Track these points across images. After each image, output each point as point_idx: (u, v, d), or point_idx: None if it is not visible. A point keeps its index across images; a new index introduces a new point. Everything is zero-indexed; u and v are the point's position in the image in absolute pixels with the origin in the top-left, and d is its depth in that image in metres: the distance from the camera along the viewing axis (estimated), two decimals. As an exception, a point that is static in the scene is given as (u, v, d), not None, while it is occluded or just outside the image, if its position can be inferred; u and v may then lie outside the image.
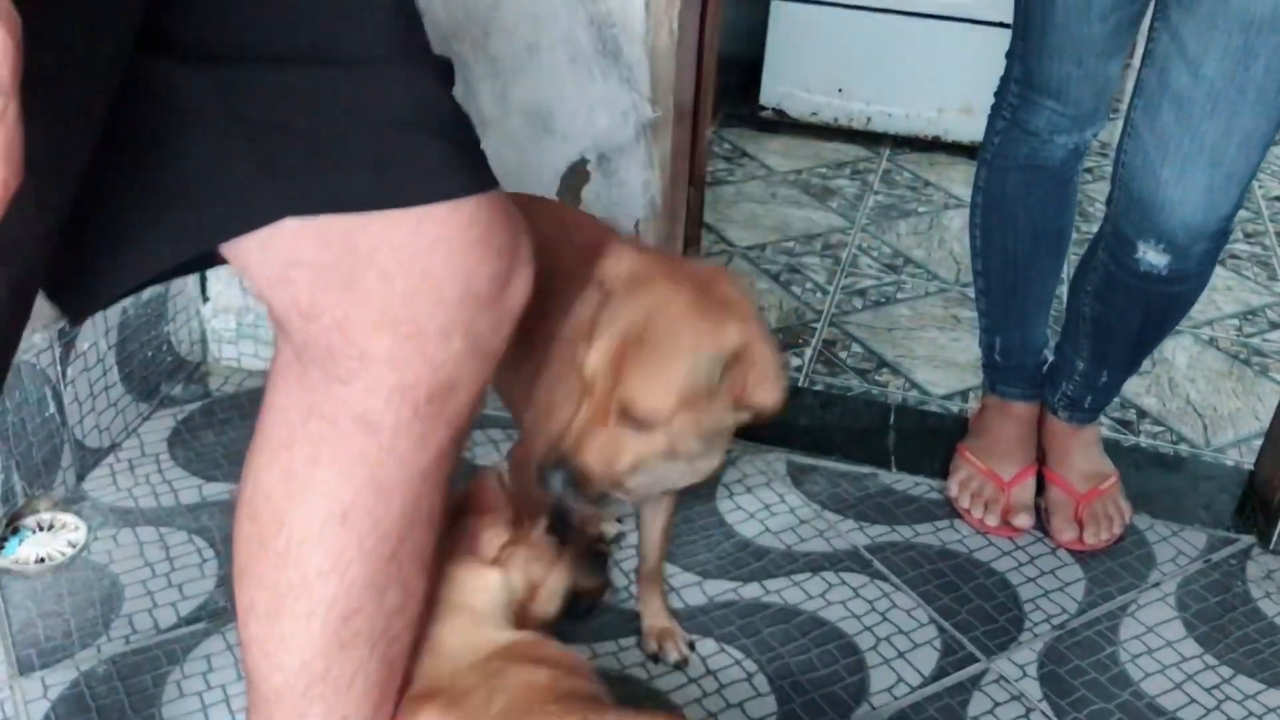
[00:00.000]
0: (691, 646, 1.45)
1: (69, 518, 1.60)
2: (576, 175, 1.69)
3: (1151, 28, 1.41)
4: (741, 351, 1.06)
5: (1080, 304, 1.64)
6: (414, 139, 0.76)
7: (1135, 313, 1.59)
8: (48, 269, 0.69)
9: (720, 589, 1.56)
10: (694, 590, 1.56)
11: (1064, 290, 1.80)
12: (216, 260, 0.79)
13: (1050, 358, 1.76)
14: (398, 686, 0.98)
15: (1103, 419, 1.86)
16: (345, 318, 0.78)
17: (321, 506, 0.85)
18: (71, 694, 1.35)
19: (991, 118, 1.63)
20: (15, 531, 1.56)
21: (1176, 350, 2.24)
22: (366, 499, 0.84)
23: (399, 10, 0.76)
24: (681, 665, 1.43)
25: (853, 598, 1.57)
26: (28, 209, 0.58)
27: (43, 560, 1.54)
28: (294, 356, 0.83)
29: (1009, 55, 1.58)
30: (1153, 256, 1.47)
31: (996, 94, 1.61)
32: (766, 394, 1.07)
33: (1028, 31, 1.51)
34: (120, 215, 0.74)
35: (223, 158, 0.72)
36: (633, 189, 1.69)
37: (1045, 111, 1.54)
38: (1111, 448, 1.85)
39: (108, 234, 0.74)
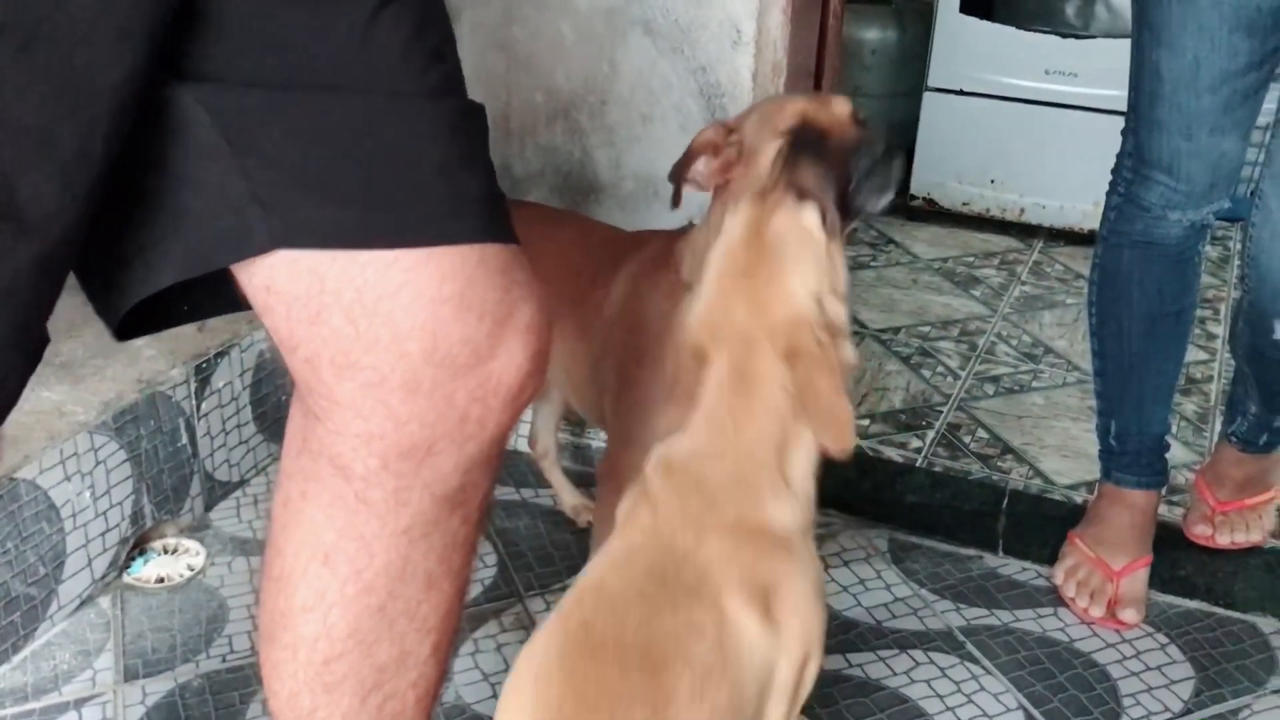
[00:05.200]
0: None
1: (191, 543, 1.71)
2: (683, 240, 1.73)
3: None
4: None
5: (1239, 357, 1.62)
6: (402, 178, 0.73)
7: None
8: (82, 267, 0.73)
9: (801, 657, 1.54)
10: (774, 657, 1.54)
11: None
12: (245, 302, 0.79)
13: (1171, 444, 1.69)
14: None
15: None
16: (315, 355, 0.76)
17: (308, 542, 0.84)
18: (166, 703, 1.43)
19: (1108, 193, 1.60)
20: (142, 552, 1.67)
21: (1335, 455, 2.10)
22: (347, 545, 0.83)
23: (418, 44, 0.73)
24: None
25: (939, 677, 1.52)
26: (52, 186, 0.64)
27: (162, 580, 1.64)
28: (296, 387, 0.83)
29: (1124, 131, 1.55)
30: None
31: (1113, 170, 1.58)
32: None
33: (1138, 103, 1.48)
34: (135, 227, 0.75)
35: (220, 187, 0.71)
36: (738, 256, 1.72)
37: (1158, 187, 1.50)
38: (1244, 551, 1.76)
39: (125, 242, 0.76)
